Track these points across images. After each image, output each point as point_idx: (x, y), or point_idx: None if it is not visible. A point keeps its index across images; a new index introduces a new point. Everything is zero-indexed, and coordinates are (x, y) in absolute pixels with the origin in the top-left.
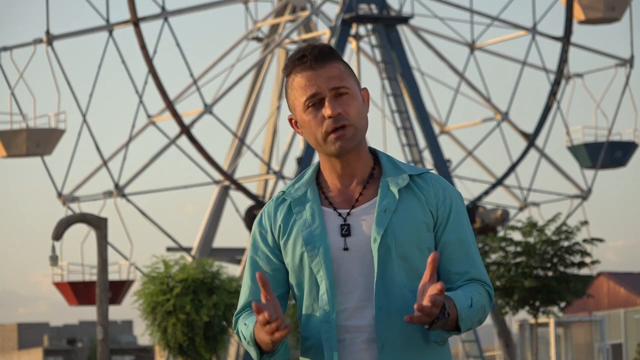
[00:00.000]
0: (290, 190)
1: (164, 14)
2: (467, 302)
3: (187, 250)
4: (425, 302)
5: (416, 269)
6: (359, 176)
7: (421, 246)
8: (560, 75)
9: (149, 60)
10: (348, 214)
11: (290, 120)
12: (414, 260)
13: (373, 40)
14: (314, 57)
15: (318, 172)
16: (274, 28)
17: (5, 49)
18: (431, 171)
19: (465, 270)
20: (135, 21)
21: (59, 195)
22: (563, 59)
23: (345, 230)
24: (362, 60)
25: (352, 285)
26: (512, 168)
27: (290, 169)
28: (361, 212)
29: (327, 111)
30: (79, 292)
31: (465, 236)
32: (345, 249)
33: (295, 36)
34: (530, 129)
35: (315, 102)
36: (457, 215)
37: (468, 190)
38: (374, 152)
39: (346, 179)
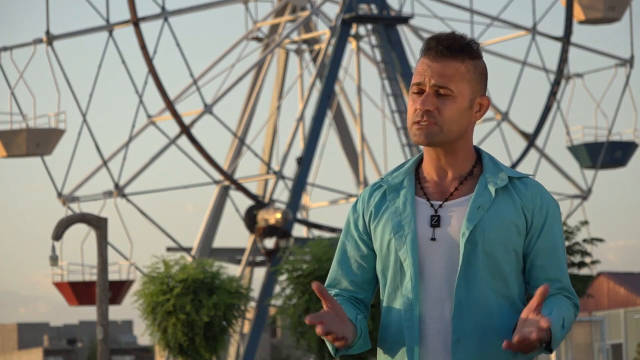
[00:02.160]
0: (388, 178)
1: (164, 14)
2: (559, 323)
3: (187, 250)
4: (533, 335)
5: (500, 268)
6: (456, 171)
7: (508, 247)
8: (560, 75)
9: (149, 60)
10: (440, 205)
11: None
12: (499, 260)
13: (373, 40)
14: (438, 50)
15: (419, 163)
16: (274, 28)
17: (5, 49)
18: (531, 177)
19: (556, 278)
20: (135, 21)
21: (59, 195)
22: (563, 59)
23: (435, 221)
24: (362, 60)
25: (435, 276)
26: (512, 168)
27: (290, 169)
28: (454, 205)
29: (418, 103)
30: (79, 292)
31: (558, 245)
32: (433, 239)
33: (295, 36)
34: (530, 129)
35: (419, 90)
36: (552, 223)
37: None
38: (478, 151)
39: (442, 172)
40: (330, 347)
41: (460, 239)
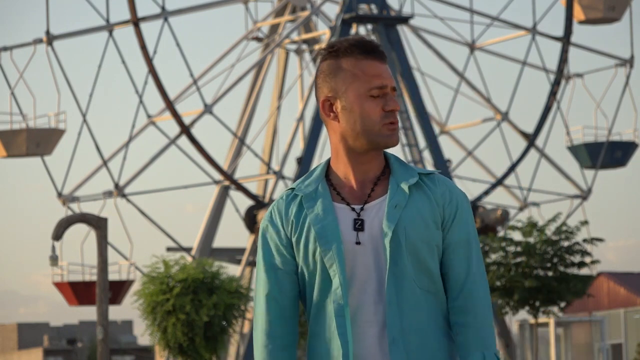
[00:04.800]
0: (301, 187)
1: (164, 14)
2: None
3: (187, 250)
4: None
5: (425, 264)
6: (371, 174)
7: (431, 243)
8: (560, 75)
9: (149, 60)
10: (361, 209)
11: (324, 102)
12: (423, 256)
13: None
14: (379, 53)
15: (327, 169)
16: (274, 28)
17: (5, 49)
18: (437, 172)
19: (463, 277)
20: (135, 21)
21: (59, 195)
22: (563, 59)
23: (359, 225)
24: None
25: (365, 280)
26: (512, 168)
27: (290, 169)
28: (373, 207)
29: (391, 105)
30: (79, 292)
31: (468, 238)
32: (358, 243)
33: (295, 36)
34: (530, 129)
35: (380, 93)
36: (462, 216)
37: (468, 190)
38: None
39: (360, 176)
40: None
41: (384, 239)
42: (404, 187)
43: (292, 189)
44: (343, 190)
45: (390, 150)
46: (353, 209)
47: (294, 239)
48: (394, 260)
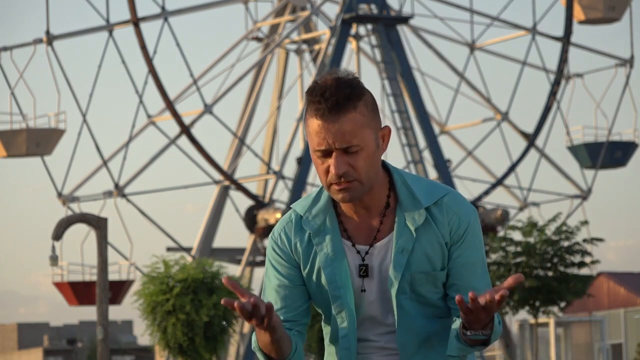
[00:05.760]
0: (308, 217)
1: (164, 14)
2: (497, 319)
3: (187, 250)
4: (497, 295)
5: (430, 301)
6: (374, 208)
7: (437, 283)
8: (560, 75)
9: (149, 60)
10: (366, 252)
11: None
12: (428, 296)
13: (373, 40)
14: (328, 108)
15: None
16: (274, 28)
17: (5, 49)
18: (447, 195)
19: (463, 292)
20: (135, 21)
21: (59, 195)
22: (563, 59)
23: (363, 272)
24: (362, 60)
25: (372, 324)
26: (512, 168)
27: (290, 169)
28: (381, 248)
29: (331, 169)
30: (79, 292)
31: (474, 260)
32: (363, 290)
33: (295, 36)
34: (530, 129)
35: (322, 154)
36: (469, 237)
37: (468, 190)
38: (387, 170)
39: (361, 210)
40: None
41: (391, 289)
42: (410, 227)
43: (300, 216)
44: (349, 225)
45: (392, 156)
46: (358, 252)
47: (304, 273)
48: (401, 308)
